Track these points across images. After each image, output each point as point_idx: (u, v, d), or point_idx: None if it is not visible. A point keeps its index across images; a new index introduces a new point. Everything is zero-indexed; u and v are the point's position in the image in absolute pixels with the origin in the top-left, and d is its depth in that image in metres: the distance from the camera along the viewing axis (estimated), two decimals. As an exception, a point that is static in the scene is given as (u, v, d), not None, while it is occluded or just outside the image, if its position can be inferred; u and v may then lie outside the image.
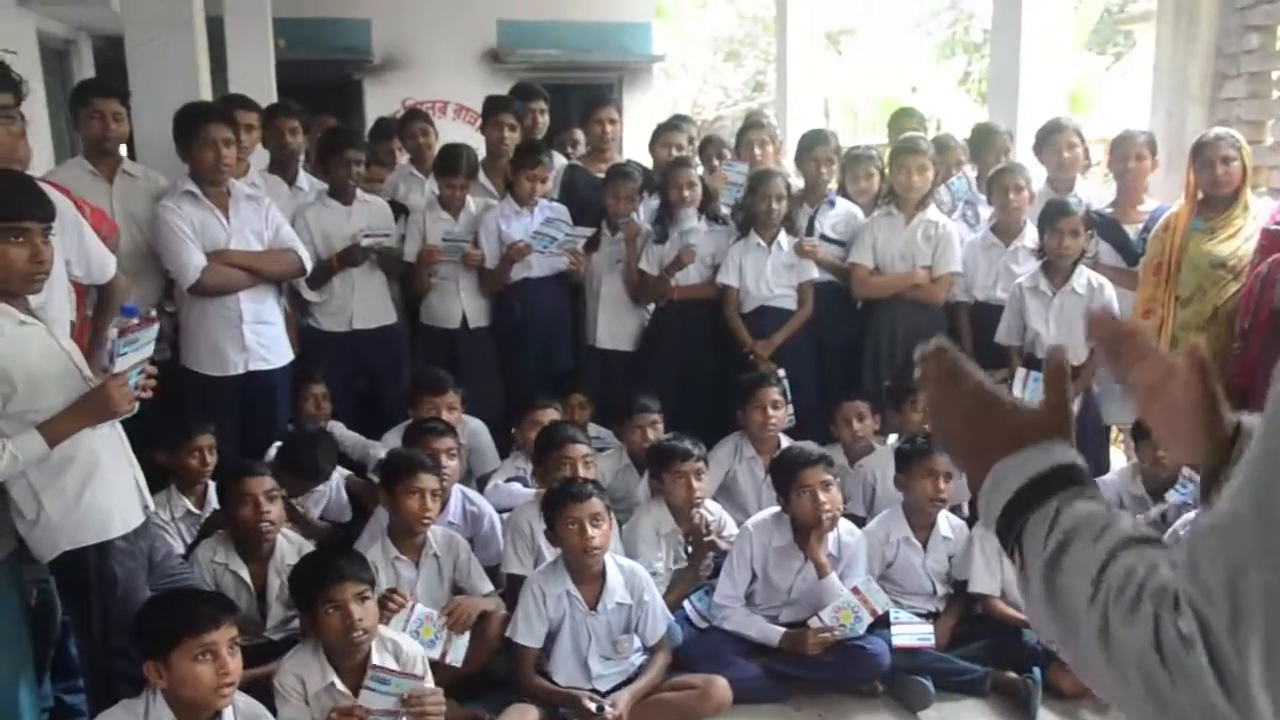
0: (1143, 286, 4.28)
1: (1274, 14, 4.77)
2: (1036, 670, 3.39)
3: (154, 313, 3.23)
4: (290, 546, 3.43)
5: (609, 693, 3.23)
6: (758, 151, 5.09)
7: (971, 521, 3.85)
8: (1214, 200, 4.11)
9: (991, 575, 3.66)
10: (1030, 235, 4.54)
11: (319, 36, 9.53)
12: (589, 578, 3.28)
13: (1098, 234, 4.44)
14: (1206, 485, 1.18)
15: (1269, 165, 4.73)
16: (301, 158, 5.01)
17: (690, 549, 3.74)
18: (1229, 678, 0.72)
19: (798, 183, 4.93)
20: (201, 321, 3.98)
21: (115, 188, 4.00)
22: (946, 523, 3.80)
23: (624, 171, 4.81)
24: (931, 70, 14.32)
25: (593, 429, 4.54)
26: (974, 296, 4.67)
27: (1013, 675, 3.44)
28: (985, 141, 5.08)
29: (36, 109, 6.64)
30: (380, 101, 9.57)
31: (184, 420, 3.72)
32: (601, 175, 4.99)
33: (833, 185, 4.91)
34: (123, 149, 4.26)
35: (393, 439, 4.27)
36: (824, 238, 4.74)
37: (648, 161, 5.29)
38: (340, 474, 4.13)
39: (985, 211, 4.82)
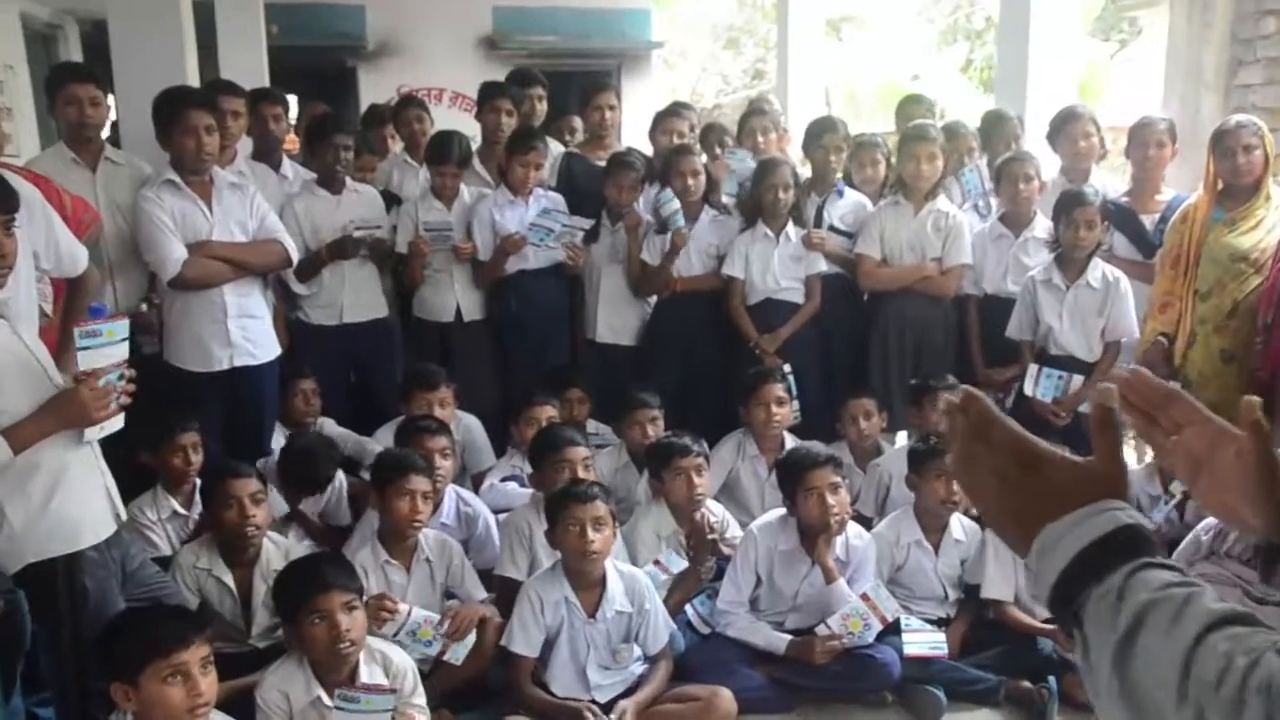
0: (1160, 280, 4.15)
1: (1293, -2, 4.63)
2: (1052, 679, 3.27)
3: (121, 310, 3.07)
4: (277, 551, 3.30)
5: (608, 704, 3.10)
6: (761, 139, 4.93)
7: (984, 524, 3.72)
8: (1235, 190, 3.99)
9: (1005, 580, 3.53)
10: (1040, 226, 4.41)
11: (312, 22, 9.37)
12: (588, 584, 3.15)
13: (1112, 225, 4.30)
14: (1269, 562, 1.02)
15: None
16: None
17: (691, 551, 3.60)
18: None
19: (804, 171, 4.78)
20: (185, 316, 3.83)
21: (99, 176, 3.86)
22: (959, 525, 3.67)
23: (626, 161, 4.66)
24: (933, 58, 14.14)
25: (591, 425, 4.43)
26: (983, 289, 4.53)
27: (1027, 685, 3.31)
28: (995, 128, 4.94)
29: (20, 95, 6.50)
30: (375, 89, 9.42)
31: (167, 418, 3.58)
32: (600, 163, 4.83)
33: (840, 175, 4.75)
34: (105, 134, 4.11)
35: (385, 435, 4.14)
36: (832, 229, 4.59)
37: (648, 150, 5.13)
38: (342, 476, 3.99)
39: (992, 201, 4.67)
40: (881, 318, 4.51)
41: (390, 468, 3.33)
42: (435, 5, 9.76)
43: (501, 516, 3.78)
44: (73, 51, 8.11)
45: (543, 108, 5.22)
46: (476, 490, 4.17)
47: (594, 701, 3.10)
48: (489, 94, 4.97)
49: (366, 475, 3.77)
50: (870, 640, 3.30)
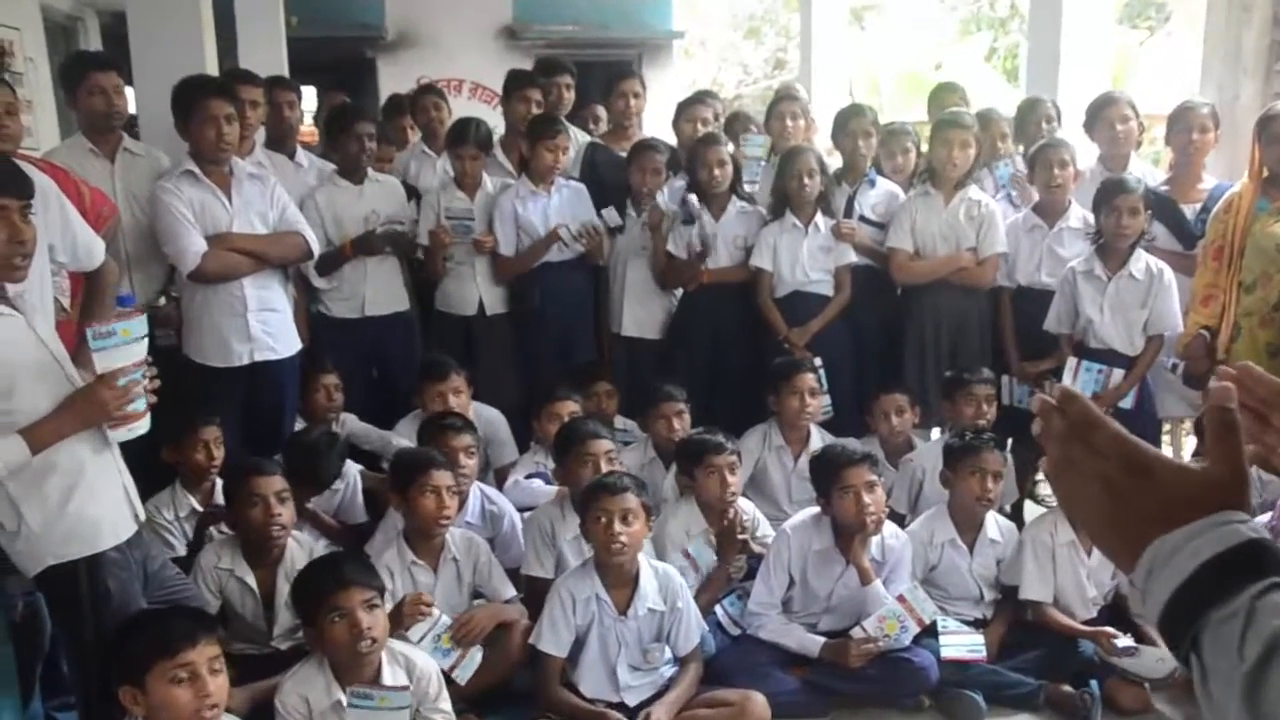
0: (1202, 271, 4.02)
1: (1339, -20, 4.49)
2: (1094, 683, 3.18)
3: (139, 304, 3.00)
4: (300, 550, 3.23)
5: (638, 707, 3.03)
6: (789, 124, 4.80)
7: (1020, 523, 3.62)
8: (1281, 179, 3.85)
9: (1044, 581, 3.43)
10: (1075, 216, 4.29)
11: (331, 13, 9.31)
12: (621, 581, 3.07)
13: (1153, 214, 4.17)
14: None
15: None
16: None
17: (721, 549, 3.52)
18: None
19: (833, 162, 4.67)
20: (204, 310, 3.76)
21: (117, 167, 3.81)
22: (995, 524, 3.57)
23: (649, 144, 4.58)
24: (956, 46, 13.98)
25: (619, 421, 4.36)
26: (1016, 281, 4.41)
27: (1068, 689, 3.21)
28: (1028, 114, 4.82)
29: (41, 88, 6.46)
30: (394, 80, 9.33)
31: (187, 412, 3.52)
32: (624, 154, 4.74)
33: (870, 164, 4.64)
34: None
35: (406, 428, 4.07)
36: (863, 219, 4.48)
37: (671, 140, 5.04)
38: (356, 473, 3.93)
39: (1034, 194, 4.54)
40: (916, 311, 4.40)
41: (410, 467, 3.26)
42: (455, -4, 9.70)
43: (526, 515, 3.71)
44: (93, 43, 8.07)
45: (570, 96, 5.13)
46: (500, 485, 4.11)
47: (622, 704, 3.03)
48: (517, 83, 4.89)
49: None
50: (906, 643, 3.22)
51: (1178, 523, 0.76)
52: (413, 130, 5.52)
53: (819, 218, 4.37)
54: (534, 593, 3.32)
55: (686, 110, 4.98)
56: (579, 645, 3.06)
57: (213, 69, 4.63)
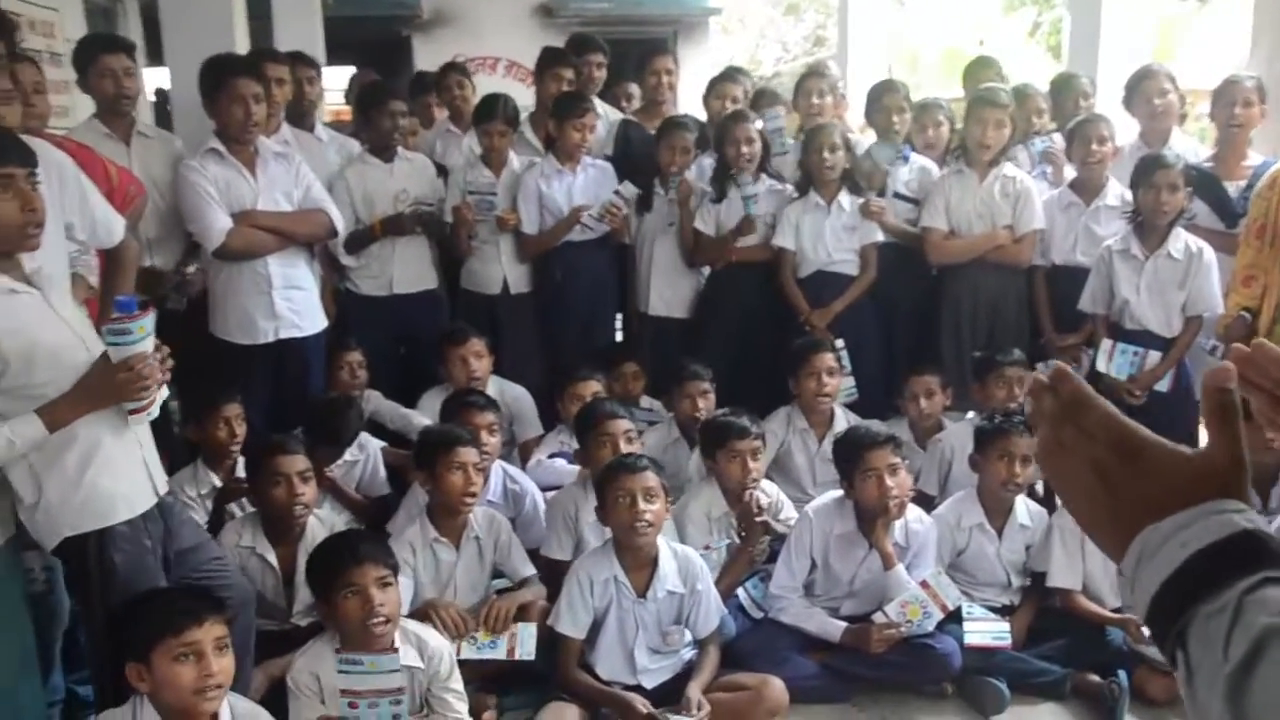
0: (1244, 251, 3.88)
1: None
2: (1122, 673, 3.09)
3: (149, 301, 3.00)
4: (321, 528, 3.24)
5: (655, 689, 3.00)
6: (816, 100, 4.75)
7: (1051, 508, 3.54)
8: (1330, 155, 3.72)
9: (1072, 568, 3.35)
10: (1113, 193, 4.18)
11: (367, -8, 9.33)
12: (640, 562, 3.04)
13: (1194, 191, 4.05)
14: None
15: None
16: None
17: (743, 532, 3.48)
18: None
19: (867, 139, 4.58)
20: (230, 287, 3.78)
21: (133, 150, 3.83)
22: (1024, 509, 3.49)
23: (678, 121, 4.54)
24: (999, 22, 13.72)
25: (645, 401, 4.33)
26: (1051, 260, 4.31)
27: (1095, 678, 3.14)
28: (1063, 90, 4.70)
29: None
30: (430, 59, 9.29)
31: (209, 389, 3.54)
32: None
33: (904, 139, 4.55)
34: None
35: (430, 401, 4.07)
36: (897, 195, 4.40)
37: (703, 117, 4.98)
38: (376, 445, 3.94)
39: (1070, 172, 4.44)
40: (953, 291, 4.31)
41: (436, 443, 3.26)
42: (490, -27, 9.67)
43: (550, 494, 3.70)
44: (131, 25, 8.11)
45: (601, 75, 5.08)
46: (524, 461, 4.10)
47: (639, 687, 3.00)
48: (549, 60, 4.86)
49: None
50: (930, 629, 3.16)
51: (1170, 510, 0.72)
52: (439, 109, 5.51)
53: (843, 196, 4.29)
54: (554, 574, 3.30)
55: (716, 87, 4.94)
56: (597, 627, 3.04)
57: (244, 49, 4.64)
